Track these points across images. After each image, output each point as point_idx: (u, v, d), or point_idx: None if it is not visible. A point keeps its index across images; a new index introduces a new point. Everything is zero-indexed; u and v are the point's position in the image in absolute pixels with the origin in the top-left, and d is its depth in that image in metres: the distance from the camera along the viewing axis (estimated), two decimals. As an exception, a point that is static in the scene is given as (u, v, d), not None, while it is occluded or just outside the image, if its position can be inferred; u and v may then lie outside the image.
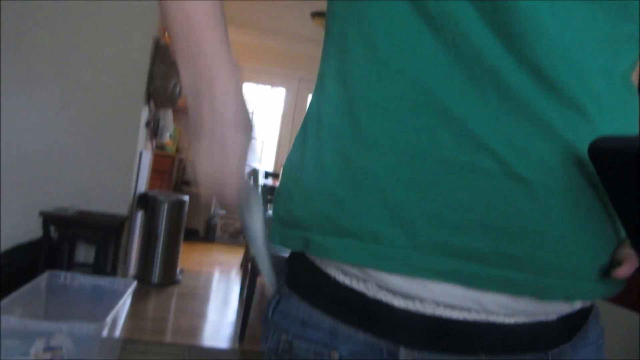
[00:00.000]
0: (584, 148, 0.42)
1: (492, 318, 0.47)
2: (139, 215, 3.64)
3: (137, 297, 3.27)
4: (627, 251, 0.47)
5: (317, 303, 0.51)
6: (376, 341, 0.48)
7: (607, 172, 0.40)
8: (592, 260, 0.46)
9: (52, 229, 2.88)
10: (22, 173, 3.12)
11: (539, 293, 0.45)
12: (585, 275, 0.46)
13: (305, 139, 0.53)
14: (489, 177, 0.43)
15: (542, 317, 0.48)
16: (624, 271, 0.47)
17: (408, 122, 0.45)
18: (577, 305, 0.50)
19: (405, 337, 0.47)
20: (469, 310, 0.46)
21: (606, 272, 0.47)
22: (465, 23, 0.43)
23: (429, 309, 0.46)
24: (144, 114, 3.41)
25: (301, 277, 0.54)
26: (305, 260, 0.53)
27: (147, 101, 3.42)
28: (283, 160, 5.41)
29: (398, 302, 0.47)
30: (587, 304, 0.52)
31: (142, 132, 3.43)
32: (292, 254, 0.56)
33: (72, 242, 3.06)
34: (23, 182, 3.12)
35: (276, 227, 0.54)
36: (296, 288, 0.54)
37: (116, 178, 3.27)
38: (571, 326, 0.51)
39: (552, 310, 0.48)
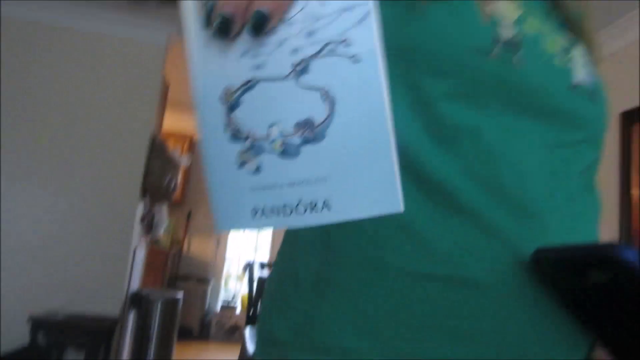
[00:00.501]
0: (531, 250, 0.44)
1: None
2: (131, 315, 3.51)
3: (128, 405, 3.05)
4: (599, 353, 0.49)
5: None
6: None
7: (551, 279, 0.42)
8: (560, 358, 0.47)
9: (40, 334, 2.75)
10: (12, 273, 3.03)
11: None
12: None
13: (284, 255, 0.55)
14: (447, 284, 0.45)
15: None
16: None
17: (372, 233, 0.47)
18: None
19: None
20: None
21: None
22: (415, 145, 0.47)
23: None
24: (139, 210, 3.39)
25: None
26: None
27: (143, 197, 3.41)
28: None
29: None
30: None
31: (137, 228, 3.38)
32: None
33: (61, 348, 2.91)
34: (14, 284, 3.01)
35: (258, 347, 0.54)
36: None
37: (109, 276, 3.18)
38: None
39: None
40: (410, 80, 0.46)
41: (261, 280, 3.78)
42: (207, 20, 0.32)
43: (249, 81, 0.31)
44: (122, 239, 3.26)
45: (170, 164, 3.44)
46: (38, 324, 2.75)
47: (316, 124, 0.30)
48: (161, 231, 3.89)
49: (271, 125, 0.31)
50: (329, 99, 0.30)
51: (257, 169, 0.31)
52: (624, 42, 2.86)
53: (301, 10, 0.30)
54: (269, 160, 0.31)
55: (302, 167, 0.31)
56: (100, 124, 3.27)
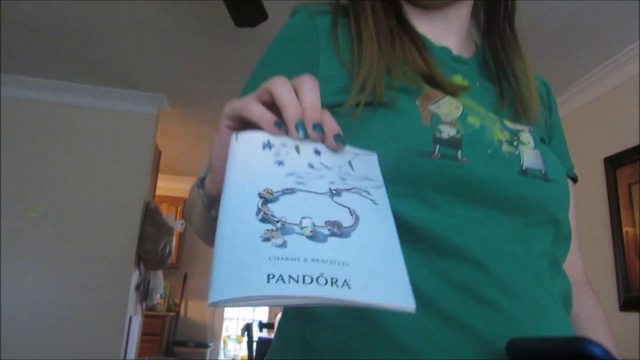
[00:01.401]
0: (500, 342, 0.45)
1: None
2: (129, 387, 3.43)
3: None
4: None
5: None
6: None
7: None
8: None
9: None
10: (10, 343, 2.99)
11: None
12: None
13: (273, 346, 0.58)
14: None
15: None
16: None
17: (346, 332, 0.48)
18: None
19: None
20: None
21: None
22: None
23: None
24: (134, 278, 3.38)
25: None
26: None
27: (137, 264, 3.41)
28: (277, 309, 5.27)
29: None
30: None
31: (132, 296, 3.37)
32: None
33: None
34: (12, 354, 2.97)
35: None
36: None
37: (105, 346, 3.14)
38: None
39: None
40: None
41: (261, 341, 3.72)
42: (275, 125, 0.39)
43: (290, 189, 0.37)
44: (118, 307, 3.24)
45: (164, 230, 3.47)
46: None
47: (344, 226, 0.35)
48: (157, 298, 3.87)
49: (304, 217, 0.35)
50: (355, 215, 0.37)
51: (283, 244, 0.32)
52: (601, 91, 2.98)
53: (339, 166, 0.40)
54: (297, 239, 0.33)
55: (328, 250, 0.33)
56: (94, 193, 3.32)
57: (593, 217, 2.93)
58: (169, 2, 2.46)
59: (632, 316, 2.64)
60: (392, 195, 0.45)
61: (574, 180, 0.71)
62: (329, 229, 0.34)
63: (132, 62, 3.07)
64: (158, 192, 4.32)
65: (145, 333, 4.08)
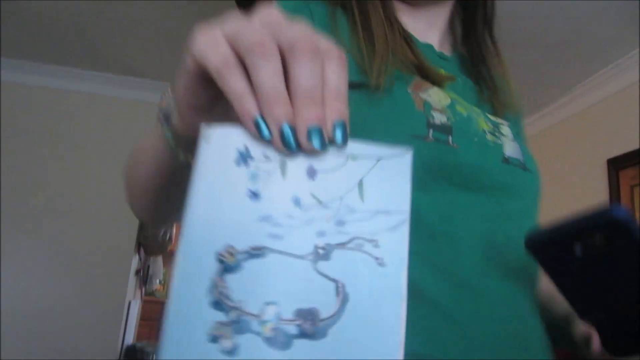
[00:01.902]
0: (480, 325, 0.48)
1: None
2: (126, 370, 3.47)
3: None
4: (583, 327, 0.55)
5: None
6: None
7: (543, 259, 0.46)
8: None
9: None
10: (11, 327, 3.02)
11: None
12: None
13: None
14: None
15: None
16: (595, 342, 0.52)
17: None
18: None
19: None
20: None
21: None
22: None
23: None
24: (134, 263, 3.41)
25: None
26: None
27: (137, 250, 3.44)
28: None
29: None
30: None
31: (132, 281, 3.39)
32: None
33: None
34: (11, 337, 3.01)
35: None
36: None
37: (103, 330, 3.17)
38: None
39: None
40: None
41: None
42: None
43: (260, 247, 0.27)
44: (117, 292, 3.26)
45: (165, 217, 3.48)
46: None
47: (320, 317, 0.26)
48: (156, 283, 3.90)
49: (268, 304, 0.26)
50: (342, 295, 0.26)
51: (232, 351, 0.25)
52: (605, 93, 2.96)
53: (340, 198, 0.28)
54: (251, 344, 0.25)
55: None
56: (96, 179, 3.34)
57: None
58: (174, -10, 2.45)
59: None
60: None
61: None
62: (299, 324, 0.25)
63: (136, 50, 3.07)
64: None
65: (143, 318, 4.12)
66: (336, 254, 0.27)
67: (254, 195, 0.27)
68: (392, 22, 0.62)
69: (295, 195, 0.27)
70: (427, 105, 0.53)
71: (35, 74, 3.36)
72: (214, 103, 0.33)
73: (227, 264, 0.26)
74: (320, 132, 0.26)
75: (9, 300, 3.08)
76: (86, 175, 3.33)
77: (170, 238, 3.58)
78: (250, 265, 0.26)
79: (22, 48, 3.14)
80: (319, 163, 0.28)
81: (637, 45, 2.58)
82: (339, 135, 0.27)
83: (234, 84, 0.27)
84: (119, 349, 3.25)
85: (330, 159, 0.28)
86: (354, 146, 0.28)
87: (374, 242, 0.27)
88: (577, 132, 3.09)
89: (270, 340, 0.25)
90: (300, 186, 0.27)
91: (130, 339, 3.50)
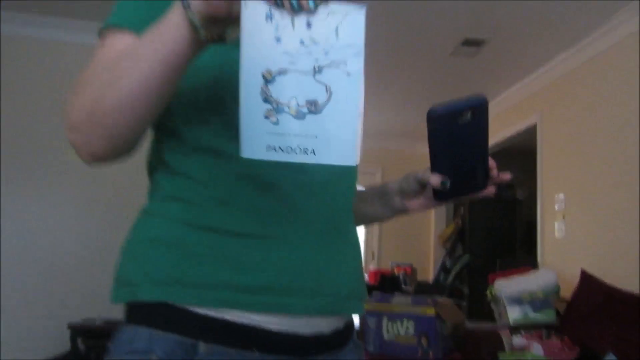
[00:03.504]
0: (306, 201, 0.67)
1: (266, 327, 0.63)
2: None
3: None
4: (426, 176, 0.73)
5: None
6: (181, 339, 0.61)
7: (435, 129, 0.67)
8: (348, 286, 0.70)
9: (79, 340, 2.83)
10: (51, 283, 3.13)
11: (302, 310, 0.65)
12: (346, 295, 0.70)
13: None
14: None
15: (316, 329, 0.67)
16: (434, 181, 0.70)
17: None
18: (341, 323, 0.71)
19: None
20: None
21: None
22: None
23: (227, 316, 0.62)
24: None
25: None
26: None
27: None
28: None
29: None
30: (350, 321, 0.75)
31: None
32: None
33: (100, 352, 2.99)
34: (53, 294, 3.12)
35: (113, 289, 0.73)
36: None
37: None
38: (340, 338, 0.71)
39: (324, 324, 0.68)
40: None
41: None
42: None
43: (284, 69, 0.48)
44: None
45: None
46: (77, 331, 2.83)
47: (319, 103, 0.49)
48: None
49: (291, 98, 0.48)
50: (329, 91, 0.49)
51: (276, 122, 0.48)
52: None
53: (325, 39, 0.48)
54: (285, 118, 0.48)
55: (304, 127, 0.49)
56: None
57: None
58: None
59: None
60: None
61: None
62: (308, 108, 0.49)
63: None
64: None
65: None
66: (325, 70, 0.48)
67: (277, 39, 0.48)
68: None
69: (301, 38, 0.48)
70: None
71: (45, 26, 3.33)
72: None
73: (267, 79, 0.48)
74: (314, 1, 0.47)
75: (49, 256, 3.16)
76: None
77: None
78: (280, 78, 0.48)
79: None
80: (312, 18, 0.47)
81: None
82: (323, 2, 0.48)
83: None
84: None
85: (319, 16, 0.47)
86: (332, 6, 0.48)
87: (344, 63, 0.49)
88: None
89: (294, 116, 0.48)
90: (303, 33, 0.48)
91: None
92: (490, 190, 0.74)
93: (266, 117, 0.48)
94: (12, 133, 3.24)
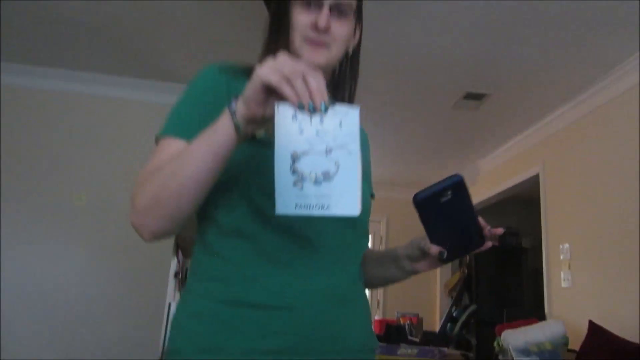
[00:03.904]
0: (315, 275, 0.81)
1: None
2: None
3: None
4: (426, 245, 0.84)
5: None
6: None
7: (422, 209, 0.78)
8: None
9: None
10: (55, 330, 3.11)
11: None
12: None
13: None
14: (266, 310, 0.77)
15: None
16: (433, 250, 0.83)
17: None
18: None
19: None
20: None
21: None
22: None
23: None
24: (173, 266, 3.47)
25: None
26: None
27: (176, 252, 3.51)
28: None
29: None
30: None
31: (171, 283, 3.46)
32: None
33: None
34: (56, 341, 3.09)
35: None
36: None
37: (145, 332, 3.23)
38: None
39: None
40: None
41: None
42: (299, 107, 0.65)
43: (306, 151, 0.65)
44: (157, 294, 3.33)
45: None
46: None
47: (331, 174, 0.65)
48: (193, 285, 3.97)
49: (311, 171, 0.64)
50: (337, 165, 0.65)
51: (302, 188, 0.64)
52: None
53: (332, 130, 0.64)
54: (307, 184, 0.64)
55: (320, 190, 0.64)
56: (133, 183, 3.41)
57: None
58: (211, -5, 2.52)
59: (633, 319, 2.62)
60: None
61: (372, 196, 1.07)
62: (323, 176, 0.65)
63: (173, 55, 3.16)
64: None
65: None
66: (334, 151, 0.65)
67: (301, 131, 0.64)
68: None
69: (317, 130, 0.64)
70: None
71: (66, 79, 3.43)
72: (266, 98, 0.66)
73: (294, 158, 0.64)
74: (324, 103, 0.63)
75: (52, 298, 3.16)
76: (126, 180, 3.41)
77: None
78: (303, 157, 0.64)
79: (50, 54, 3.22)
80: (324, 116, 0.64)
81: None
82: (330, 105, 0.64)
83: (287, 89, 0.63)
84: (160, 350, 3.31)
85: (328, 115, 0.64)
86: (337, 108, 0.65)
87: (347, 145, 0.65)
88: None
89: (314, 183, 0.64)
90: (317, 126, 0.64)
91: (171, 340, 3.55)
92: (488, 244, 0.84)
93: (294, 185, 0.64)
94: (13, 179, 3.31)
